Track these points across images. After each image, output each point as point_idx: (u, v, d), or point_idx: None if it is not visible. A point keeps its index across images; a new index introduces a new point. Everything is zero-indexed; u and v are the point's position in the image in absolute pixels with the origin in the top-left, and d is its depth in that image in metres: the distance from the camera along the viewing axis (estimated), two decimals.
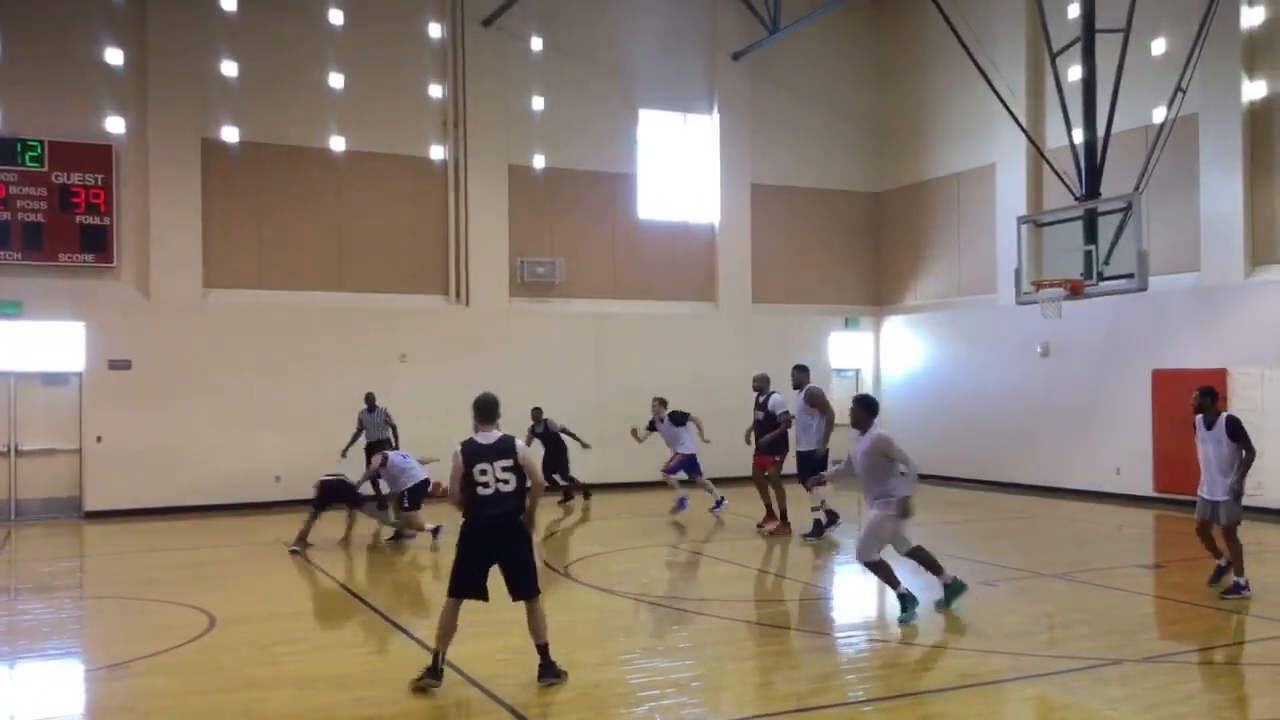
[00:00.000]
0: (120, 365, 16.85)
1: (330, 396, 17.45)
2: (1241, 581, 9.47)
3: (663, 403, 16.25)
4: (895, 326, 22.39)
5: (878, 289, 22.88)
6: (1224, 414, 9.60)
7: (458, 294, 19.40)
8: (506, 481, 7.00)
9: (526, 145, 19.79)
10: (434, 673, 6.90)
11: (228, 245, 17.91)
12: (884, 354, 22.65)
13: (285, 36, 18.20)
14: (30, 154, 16.52)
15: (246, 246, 18.04)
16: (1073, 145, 15.73)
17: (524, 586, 7.03)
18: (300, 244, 18.37)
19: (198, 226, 17.63)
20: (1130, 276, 14.60)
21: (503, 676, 7.15)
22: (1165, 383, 16.18)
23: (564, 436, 17.32)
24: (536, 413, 17.22)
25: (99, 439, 16.67)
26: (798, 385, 13.68)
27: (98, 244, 16.93)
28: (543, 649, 7.04)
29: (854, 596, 10.46)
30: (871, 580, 9.38)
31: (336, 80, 18.30)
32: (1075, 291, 15.10)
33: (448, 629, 6.97)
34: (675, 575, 12.08)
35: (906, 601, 8.83)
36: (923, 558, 9.20)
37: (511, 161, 19.72)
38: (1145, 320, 16.77)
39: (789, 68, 21.77)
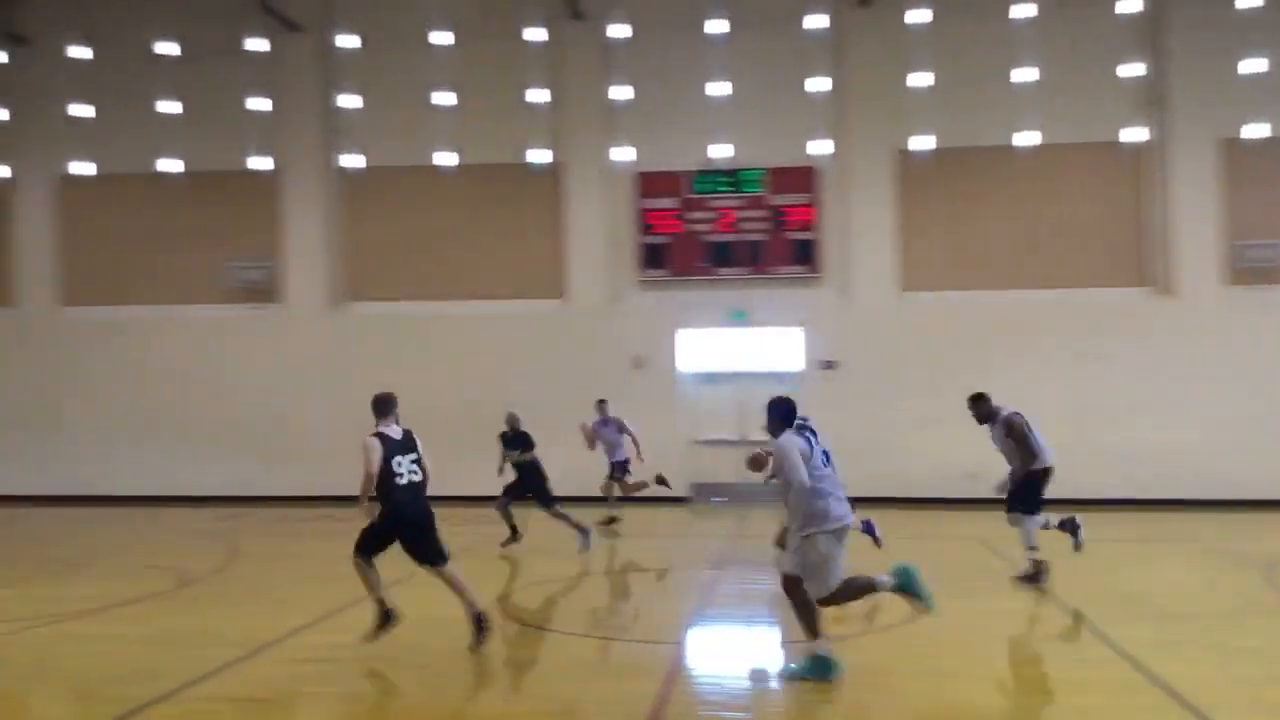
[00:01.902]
0: (828, 365, 18.47)
1: (1019, 394, 17.26)
2: None
3: None
4: None
5: None
6: None
7: (1159, 284, 17.98)
8: (415, 472, 7.89)
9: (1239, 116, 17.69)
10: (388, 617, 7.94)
11: (922, 249, 18.70)
12: None
13: (975, 40, 18.45)
14: (752, 181, 18.92)
15: (939, 249, 18.66)
16: None
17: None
18: (990, 243, 18.50)
19: (893, 233, 18.68)
20: None
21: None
22: None
23: None
24: None
25: None
26: None
27: (807, 257, 18.81)
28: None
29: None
30: None
31: (1022, 75, 18.08)
32: None
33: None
34: None
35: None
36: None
37: (1222, 135, 17.76)
38: None
39: None
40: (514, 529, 13.30)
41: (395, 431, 8.11)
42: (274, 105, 19.55)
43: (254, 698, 7.06)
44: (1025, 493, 10.83)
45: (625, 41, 18.89)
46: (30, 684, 7.60)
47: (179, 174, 19.76)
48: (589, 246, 19.25)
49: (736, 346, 18.87)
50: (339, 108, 19.57)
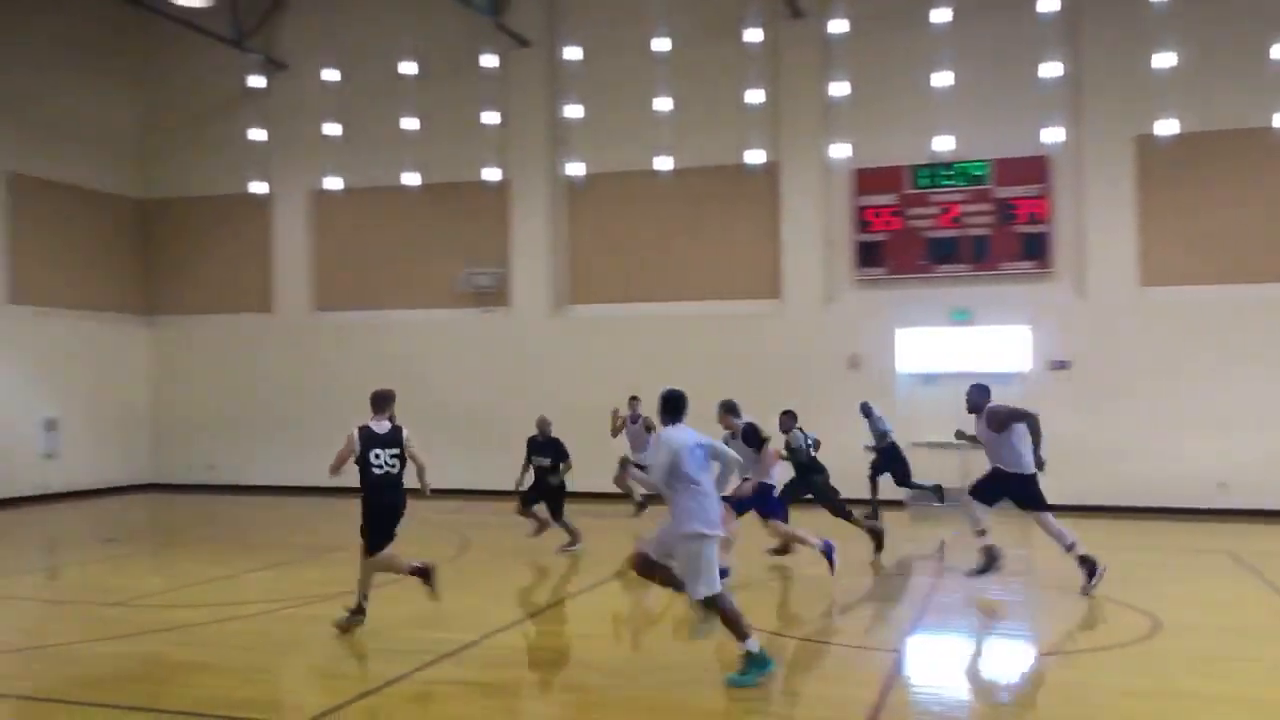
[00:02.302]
0: (1060, 365, 17.58)
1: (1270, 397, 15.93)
2: None
3: None
4: None
5: None
6: None
7: None
8: (394, 465, 8.74)
9: None
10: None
11: (1163, 241, 17.47)
12: None
13: (1223, 19, 17.09)
14: (976, 173, 18.25)
15: (1182, 240, 17.38)
16: None
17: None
18: (1238, 233, 17.07)
19: (1132, 225, 17.56)
20: None
21: None
22: None
23: None
24: None
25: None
26: None
27: (1038, 251, 17.95)
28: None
29: None
30: None
31: None
32: None
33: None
34: None
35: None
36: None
37: None
38: None
39: None
40: (543, 525, 13.32)
41: (381, 427, 8.89)
42: (504, 118, 20.48)
43: (477, 682, 7.46)
44: (989, 484, 10.92)
45: (844, 36, 18.62)
46: (284, 658, 8.32)
47: (418, 186, 21.04)
48: (804, 245, 19.10)
49: (958, 346, 18.25)
50: (563, 118, 20.27)
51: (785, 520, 11.39)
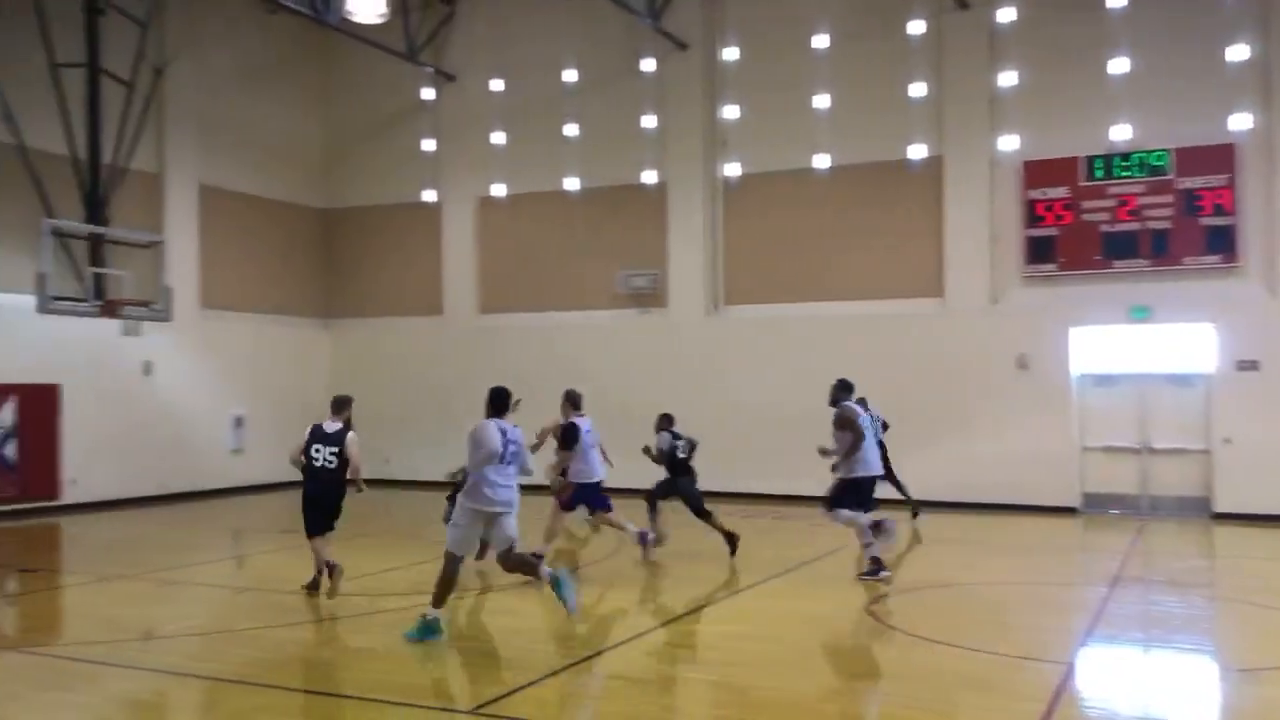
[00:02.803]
0: (1248, 366, 16.50)
1: None
2: None
3: None
4: None
5: None
6: None
7: None
8: (331, 461, 9.87)
9: None
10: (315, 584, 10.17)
11: None
12: None
13: None
14: (1156, 163, 17.28)
15: None
16: None
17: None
18: None
19: None
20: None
21: None
22: None
23: None
24: None
25: (1227, 440, 16.54)
26: None
27: (1223, 244, 16.87)
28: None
29: None
30: None
31: None
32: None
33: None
34: None
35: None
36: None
37: None
38: None
39: None
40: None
41: (331, 426, 10.08)
42: (661, 121, 20.66)
43: (633, 678, 7.55)
44: (842, 492, 11.17)
45: (1012, 25, 17.99)
46: (452, 647, 8.61)
47: (578, 190, 21.46)
48: (969, 242, 18.49)
49: (1137, 346, 17.35)
50: (721, 119, 20.28)
51: (609, 510, 12.37)
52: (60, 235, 15.25)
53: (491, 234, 22.57)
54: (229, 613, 10.37)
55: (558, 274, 21.79)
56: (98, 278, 15.77)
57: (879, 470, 12.00)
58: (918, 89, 18.64)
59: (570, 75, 21.31)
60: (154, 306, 16.11)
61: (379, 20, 19.36)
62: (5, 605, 11.00)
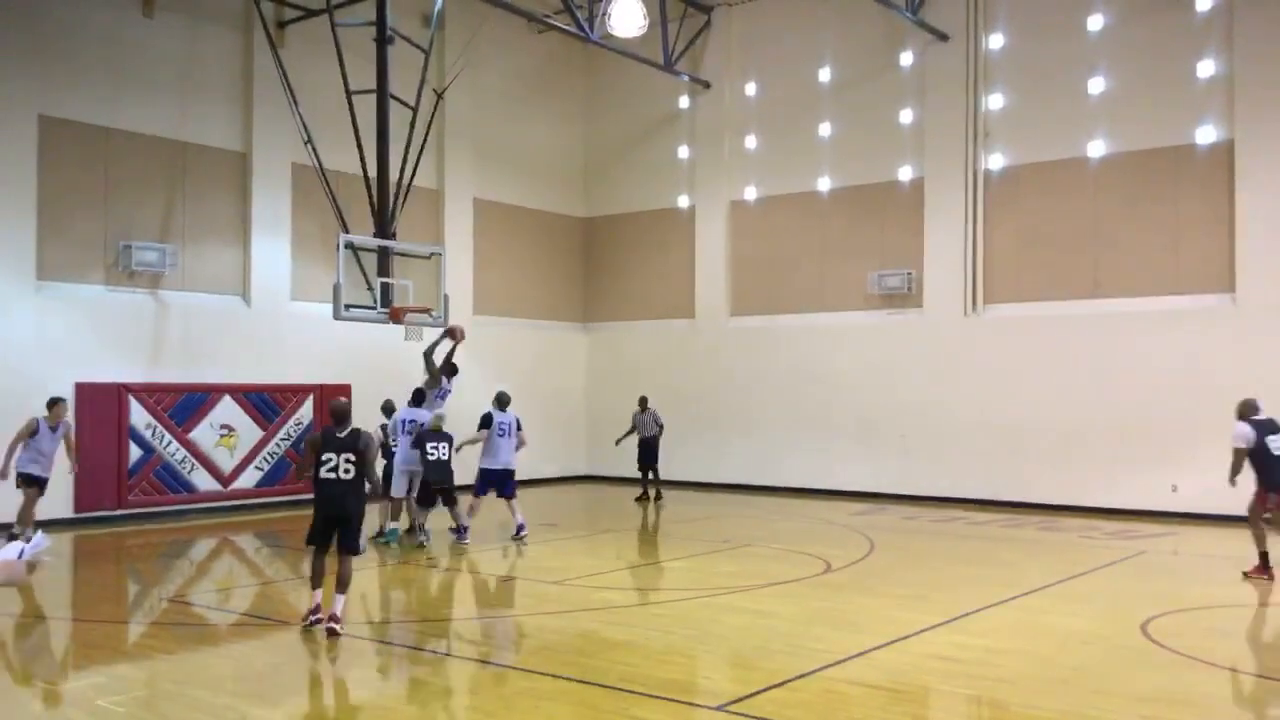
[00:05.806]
0: None
1: None
2: None
3: None
4: None
5: None
6: None
7: None
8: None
9: None
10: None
11: None
12: None
13: None
14: None
15: None
16: None
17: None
18: None
19: None
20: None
21: None
22: None
23: None
24: None
25: None
26: None
27: None
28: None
29: None
30: None
31: None
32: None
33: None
34: None
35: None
36: None
37: None
38: None
39: None
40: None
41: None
42: (919, 116, 20.12)
43: (883, 686, 7.40)
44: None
45: None
46: (700, 644, 8.77)
47: (830, 190, 21.25)
48: (1266, 231, 16.79)
49: None
50: (983, 110, 19.50)
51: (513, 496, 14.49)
52: (352, 248, 16.63)
53: (743, 237, 22.72)
54: (497, 600, 11.06)
55: (809, 275, 21.64)
56: (385, 287, 17.08)
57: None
58: (1205, 67, 17.19)
59: (824, 74, 21.17)
60: (433, 313, 17.24)
61: (638, 33, 19.93)
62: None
